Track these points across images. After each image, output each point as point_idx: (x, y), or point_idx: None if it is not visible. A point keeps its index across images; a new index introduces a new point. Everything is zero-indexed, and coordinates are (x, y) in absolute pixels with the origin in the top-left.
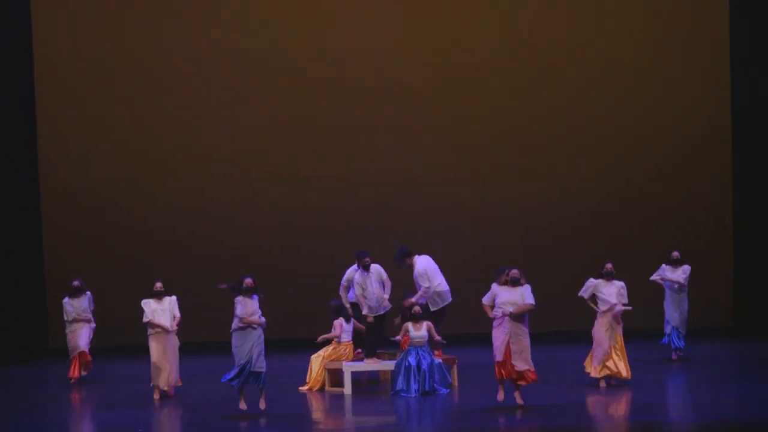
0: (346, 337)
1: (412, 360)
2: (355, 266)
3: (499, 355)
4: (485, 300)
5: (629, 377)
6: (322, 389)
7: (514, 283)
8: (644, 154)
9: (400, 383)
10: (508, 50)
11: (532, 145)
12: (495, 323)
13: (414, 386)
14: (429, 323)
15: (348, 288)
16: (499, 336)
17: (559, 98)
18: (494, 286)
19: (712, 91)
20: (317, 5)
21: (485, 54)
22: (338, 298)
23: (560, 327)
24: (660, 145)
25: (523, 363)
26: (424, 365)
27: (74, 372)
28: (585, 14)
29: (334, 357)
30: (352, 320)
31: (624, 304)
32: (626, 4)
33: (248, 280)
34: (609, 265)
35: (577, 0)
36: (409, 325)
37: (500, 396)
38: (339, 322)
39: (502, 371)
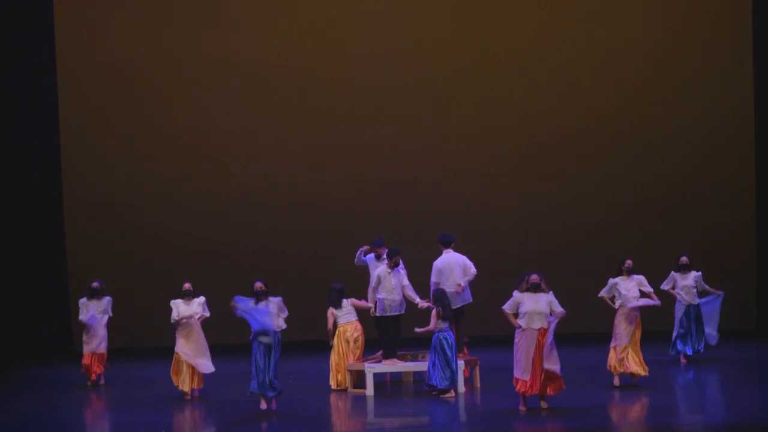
0: (345, 319)
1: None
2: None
3: (526, 374)
4: (507, 308)
5: (645, 374)
6: (345, 389)
7: (535, 288)
8: (663, 154)
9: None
10: (520, 48)
11: (547, 144)
12: (517, 333)
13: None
14: (437, 309)
15: (376, 288)
16: (523, 351)
17: (574, 97)
18: (516, 294)
19: (733, 87)
20: (329, 6)
21: (498, 52)
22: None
23: (579, 329)
24: (680, 145)
25: (555, 364)
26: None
27: (90, 373)
28: (599, 10)
29: (345, 342)
30: (344, 301)
31: (643, 295)
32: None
33: (258, 284)
34: (629, 262)
35: None
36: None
37: (523, 407)
38: (330, 311)
39: (531, 387)
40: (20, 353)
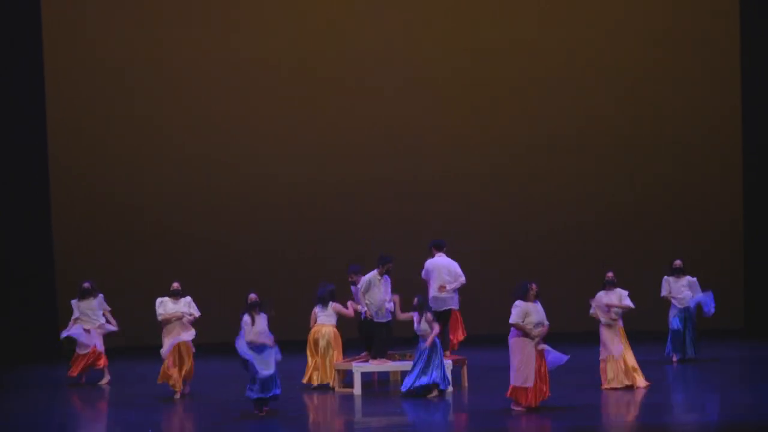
0: (322, 320)
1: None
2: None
3: (530, 381)
4: (519, 319)
5: (647, 385)
6: (326, 384)
7: (537, 297)
8: (654, 157)
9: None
10: (520, 49)
11: (547, 144)
12: (519, 342)
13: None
14: (427, 314)
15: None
16: (526, 359)
17: (573, 97)
18: (522, 304)
19: (722, 92)
20: (329, 6)
21: (497, 52)
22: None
23: (578, 329)
24: (670, 147)
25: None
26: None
27: (74, 371)
28: (599, 10)
29: (314, 343)
30: (331, 304)
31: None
32: (634, 3)
33: (252, 296)
34: (610, 274)
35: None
36: (414, 315)
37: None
38: (314, 310)
39: (530, 397)
40: (13, 353)
